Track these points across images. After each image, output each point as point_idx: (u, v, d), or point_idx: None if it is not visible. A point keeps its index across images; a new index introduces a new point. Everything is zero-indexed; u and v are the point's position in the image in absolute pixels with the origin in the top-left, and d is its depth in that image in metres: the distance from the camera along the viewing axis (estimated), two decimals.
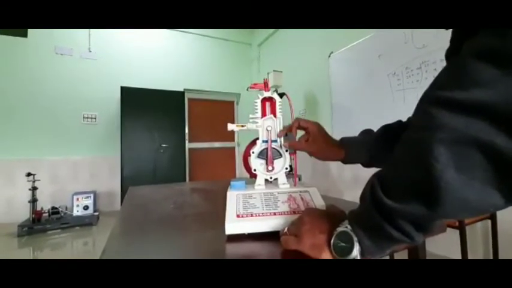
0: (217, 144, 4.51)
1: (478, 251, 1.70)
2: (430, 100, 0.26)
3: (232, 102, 4.74)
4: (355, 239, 0.31)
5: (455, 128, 0.22)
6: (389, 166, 0.30)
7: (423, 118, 0.26)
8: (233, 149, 4.70)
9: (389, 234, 0.28)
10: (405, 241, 0.28)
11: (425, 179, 0.24)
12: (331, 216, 0.38)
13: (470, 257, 1.38)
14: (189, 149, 4.19)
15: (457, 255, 1.39)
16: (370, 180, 0.32)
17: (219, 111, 4.57)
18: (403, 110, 2.13)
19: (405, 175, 0.27)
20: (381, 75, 2.31)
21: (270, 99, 0.56)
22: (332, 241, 0.33)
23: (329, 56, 2.93)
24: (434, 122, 0.24)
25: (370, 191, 0.30)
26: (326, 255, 0.33)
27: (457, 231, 1.30)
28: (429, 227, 0.28)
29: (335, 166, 2.87)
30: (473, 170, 0.22)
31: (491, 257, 1.54)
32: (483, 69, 0.22)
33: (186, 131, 4.08)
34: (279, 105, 0.56)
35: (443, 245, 1.81)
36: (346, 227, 0.32)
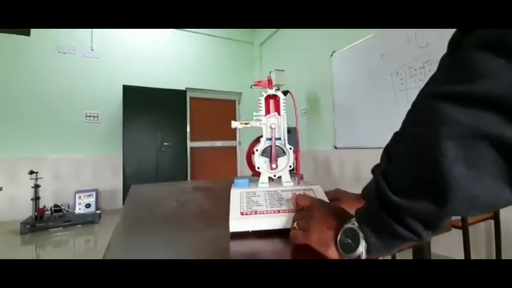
0: (218, 143, 4.51)
1: (481, 251, 1.69)
2: (433, 95, 0.25)
3: (234, 101, 4.74)
4: (361, 235, 0.31)
5: (462, 122, 0.22)
6: (394, 163, 0.29)
7: (428, 113, 0.25)
8: (234, 148, 4.70)
9: (396, 232, 0.28)
10: (413, 239, 0.28)
11: (433, 175, 0.23)
12: (339, 212, 0.37)
13: (473, 257, 1.38)
14: (191, 148, 4.20)
15: (460, 255, 1.38)
16: (375, 178, 0.31)
17: (220, 110, 4.57)
18: (406, 109, 2.11)
19: (412, 172, 0.26)
20: (383, 75, 2.30)
21: (274, 97, 0.56)
22: (339, 237, 0.33)
23: (331, 55, 2.92)
24: (439, 117, 0.23)
25: (375, 188, 0.30)
26: (332, 251, 0.33)
27: (460, 231, 1.29)
28: (438, 225, 0.28)
29: (337, 165, 2.86)
30: (482, 165, 0.22)
31: (494, 257, 1.53)
32: (487, 60, 0.21)
33: (188, 129, 4.08)
34: (283, 103, 0.56)
35: (446, 245, 1.81)
36: (354, 224, 0.32)
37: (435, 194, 0.24)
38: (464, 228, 1.28)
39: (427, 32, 1.92)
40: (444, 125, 0.23)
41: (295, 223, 0.40)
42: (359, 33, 2.53)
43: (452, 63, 0.26)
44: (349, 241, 0.32)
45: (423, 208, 0.25)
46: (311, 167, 3.26)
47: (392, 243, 0.30)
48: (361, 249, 0.30)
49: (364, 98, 2.52)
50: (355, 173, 2.60)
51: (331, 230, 0.35)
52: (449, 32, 0.37)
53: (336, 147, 2.84)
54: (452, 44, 0.43)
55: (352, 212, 0.37)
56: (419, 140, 0.25)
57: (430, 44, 1.91)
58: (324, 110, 3.10)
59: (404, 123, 0.55)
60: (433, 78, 0.47)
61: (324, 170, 3.06)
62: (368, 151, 2.38)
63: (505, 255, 1.46)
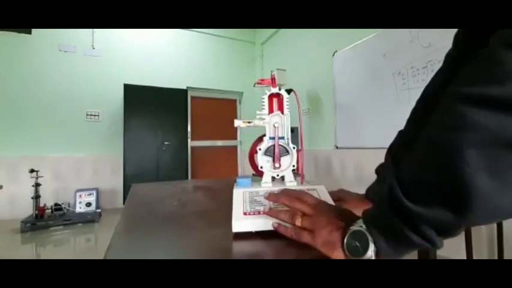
0: (219, 143, 4.51)
1: (483, 253, 1.68)
2: (456, 97, 0.23)
3: (235, 101, 4.73)
4: (370, 239, 0.30)
5: (488, 128, 0.20)
6: (409, 167, 0.28)
7: (450, 117, 0.23)
8: (235, 147, 4.70)
9: (408, 238, 0.27)
10: (425, 246, 0.27)
11: (453, 183, 0.22)
12: (344, 213, 0.37)
13: (475, 258, 1.37)
14: (192, 147, 4.20)
15: (462, 256, 1.37)
16: (387, 181, 0.30)
17: (221, 110, 4.57)
18: (408, 110, 2.11)
19: (430, 178, 0.25)
20: (385, 75, 2.29)
21: (278, 96, 0.55)
22: (345, 240, 0.32)
23: (333, 55, 2.91)
24: (463, 122, 0.22)
25: (388, 193, 0.28)
26: (338, 253, 0.32)
27: (462, 232, 1.28)
28: (453, 233, 0.26)
29: (338, 166, 2.85)
30: (507, 174, 0.20)
31: (496, 258, 1.53)
32: None
33: (189, 129, 4.08)
34: (287, 101, 0.55)
35: (447, 246, 1.79)
36: (361, 227, 0.31)
37: (455, 203, 0.23)
38: (466, 229, 1.27)
39: (430, 32, 1.91)
40: (467, 130, 0.21)
41: (299, 220, 0.38)
42: (361, 33, 2.52)
43: (476, 63, 0.24)
44: (357, 244, 0.31)
45: (440, 216, 0.24)
46: (312, 167, 3.25)
47: (403, 248, 0.29)
48: (370, 253, 0.29)
49: (365, 98, 2.51)
50: (357, 173, 2.59)
51: (338, 231, 0.34)
52: (452, 32, 0.36)
53: (337, 147, 2.83)
54: (459, 39, 0.42)
55: (357, 212, 0.36)
56: (439, 145, 0.24)
57: (433, 44, 1.90)
58: (325, 110, 3.10)
59: (409, 121, 0.55)
60: (440, 74, 0.46)
61: (325, 170, 3.05)
62: (370, 151, 2.38)
63: (507, 257, 1.45)
